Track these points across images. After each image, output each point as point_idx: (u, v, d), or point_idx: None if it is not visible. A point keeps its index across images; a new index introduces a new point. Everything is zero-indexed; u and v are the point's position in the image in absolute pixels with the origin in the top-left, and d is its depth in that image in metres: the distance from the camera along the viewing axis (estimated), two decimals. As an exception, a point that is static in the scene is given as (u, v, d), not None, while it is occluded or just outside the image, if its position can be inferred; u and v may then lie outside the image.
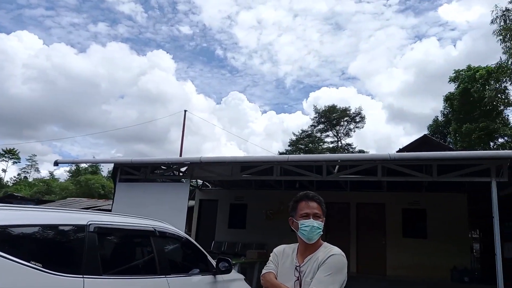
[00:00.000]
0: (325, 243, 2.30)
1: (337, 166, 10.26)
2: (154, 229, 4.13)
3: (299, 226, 2.21)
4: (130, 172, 10.52)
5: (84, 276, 2.99)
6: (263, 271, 2.35)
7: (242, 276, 5.78)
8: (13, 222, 2.71)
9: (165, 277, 3.94)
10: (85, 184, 39.55)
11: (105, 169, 44.89)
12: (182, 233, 4.79)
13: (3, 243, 2.51)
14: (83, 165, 43.41)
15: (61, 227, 3.11)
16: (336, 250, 2.20)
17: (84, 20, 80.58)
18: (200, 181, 14.62)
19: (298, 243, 2.32)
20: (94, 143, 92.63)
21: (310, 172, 9.34)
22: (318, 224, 2.20)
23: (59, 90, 63.31)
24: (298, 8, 75.52)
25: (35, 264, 2.66)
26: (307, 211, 2.23)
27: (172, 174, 11.39)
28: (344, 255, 2.18)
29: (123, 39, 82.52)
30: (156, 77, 75.76)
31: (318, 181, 12.30)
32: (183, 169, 11.21)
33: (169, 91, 77.17)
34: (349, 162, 9.03)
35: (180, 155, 19.62)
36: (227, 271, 4.89)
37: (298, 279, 2.16)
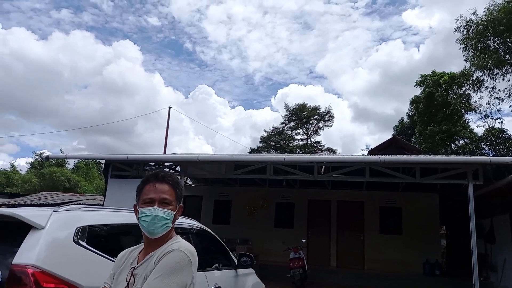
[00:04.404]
0: (177, 236, 1.82)
1: (323, 166, 10.82)
2: (191, 227, 4.42)
3: (139, 215, 1.73)
4: (122, 168, 10.55)
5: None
6: None
7: (253, 270, 6.14)
8: (111, 222, 2.95)
9: (203, 271, 4.24)
10: (50, 177, 38.22)
11: (71, 162, 43.50)
12: (209, 230, 5.09)
13: (99, 241, 2.73)
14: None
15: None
16: (178, 245, 1.70)
17: (46, 6, 76.86)
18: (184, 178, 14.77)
19: None
20: (56, 134, 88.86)
21: (302, 172, 9.81)
22: (164, 213, 1.70)
23: (17, 77, 59.98)
24: (267, 5, 76.04)
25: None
26: (153, 195, 1.73)
27: (162, 170, 11.48)
28: (190, 252, 1.69)
29: (87, 27, 79.47)
30: (122, 67, 73.75)
31: (302, 180, 12.85)
32: (167, 164, 11.35)
33: (136, 83, 75.38)
34: (341, 163, 9.57)
35: (164, 151, 19.58)
36: (248, 265, 5.26)
37: (127, 285, 1.68)
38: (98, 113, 65.10)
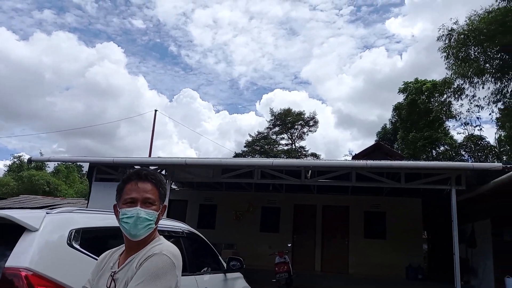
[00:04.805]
0: (159, 237, 1.72)
1: (310, 171, 10.89)
2: (182, 231, 4.39)
3: (120, 217, 1.63)
4: (107, 172, 10.39)
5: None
6: None
7: (241, 275, 6.12)
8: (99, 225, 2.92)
9: (193, 275, 4.21)
10: (28, 180, 37.34)
11: (51, 165, 42.58)
12: (199, 234, 5.06)
13: (93, 244, 2.68)
14: (26, 160, 40.89)
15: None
16: (161, 248, 1.60)
17: (28, 6, 75.21)
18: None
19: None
20: (35, 136, 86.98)
21: (289, 176, 9.85)
22: (147, 214, 1.61)
23: (-3, 77, 58.39)
24: (254, 11, 76.43)
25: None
26: (135, 195, 1.62)
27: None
28: (173, 254, 1.60)
29: (70, 28, 78.12)
30: (106, 69, 72.77)
31: (288, 184, 12.90)
32: (154, 167, 11.24)
33: (119, 85, 74.46)
34: (328, 168, 9.66)
35: (149, 155, 19.36)
36: (238, 269, 5.25)
37: None
38: (80, 115, 64.08)
